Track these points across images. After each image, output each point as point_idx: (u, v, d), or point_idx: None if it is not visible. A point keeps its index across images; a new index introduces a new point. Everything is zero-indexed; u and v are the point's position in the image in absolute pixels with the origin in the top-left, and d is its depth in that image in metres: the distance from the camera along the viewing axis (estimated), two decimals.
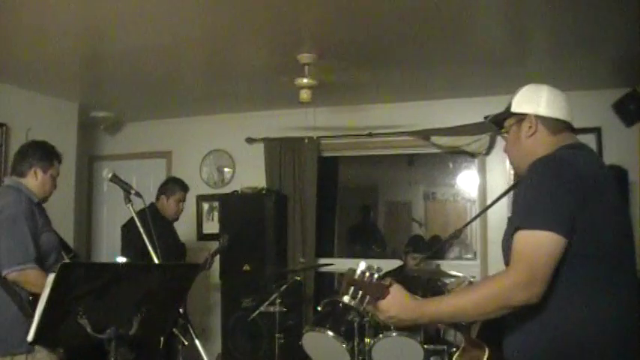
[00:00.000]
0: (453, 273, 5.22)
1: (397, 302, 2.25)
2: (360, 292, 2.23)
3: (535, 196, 2.18)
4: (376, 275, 2.25)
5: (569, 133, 2.45)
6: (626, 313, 2.18)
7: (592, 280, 2.17)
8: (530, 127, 2.44)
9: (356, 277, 2.25)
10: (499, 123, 2.62)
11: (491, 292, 2.14)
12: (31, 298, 3.53)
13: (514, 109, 2.50)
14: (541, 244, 2.09)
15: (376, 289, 2.24)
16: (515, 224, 2.18)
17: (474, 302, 2.17)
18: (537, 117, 2.43)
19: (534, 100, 2.46)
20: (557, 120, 2.43)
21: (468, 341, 2.63)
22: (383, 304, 2.25)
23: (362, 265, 2.28)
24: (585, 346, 2.14)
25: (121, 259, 4.83)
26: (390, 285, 2.27)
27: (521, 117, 2.47)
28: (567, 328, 2.16)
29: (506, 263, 2.27)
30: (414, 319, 2.30)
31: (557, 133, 2.42)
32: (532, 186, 2.22)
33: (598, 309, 2.15)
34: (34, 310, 3.33)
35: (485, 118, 2.67)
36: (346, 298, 2.24)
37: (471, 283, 2.79)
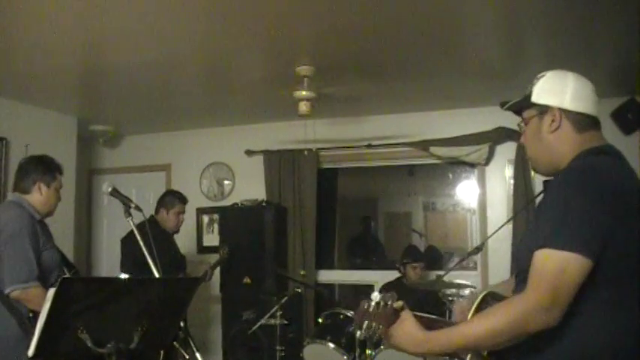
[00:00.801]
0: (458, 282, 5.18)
1: (404, 332, 2.10)
2: (374, 324, 2.06)
3: (565, 213, 1.95)
4: (389, 302, 2.07)
5: (595, 131, 2.20)
6: None
7: (617, 304, 2.00)
8: (553, 121, 2.18)
9: (370, 309, 2.06)
10: (517, 112, 2.36)
11: (509, 318, 1.94)
12: (31, 314, 3.52)
13: (535, 99, 2.23)
14: (566, 267, 1.90)
15: (388, 317, 2.08)
16: (539, 241, 1.97)
17: (488, 330, 1.97)
18: (562, 111, 2.17)
19: (559, 91, 2.19)
20: (583, 115, 2.18)
21: (476, 357, 2.51)
22: (391, 330, 2.09)
23: (375, 297, 2.08)
24: None
25: (124, 276, 4.85)
26: (402, 309, 2.11)
27: (544, 109, 2.20)
28: (587, 354, 1.99)
29: (514, 271, 2.15)
30: (421, 352, 2.15)
31: (583, 131, 2.17)
32: (562, 200, 1.99)
33: (621, 334, 1.99)
34: (33, 327, 3.33)
35: (502, 105, 2.41)
36: (359, 334, 2.11)
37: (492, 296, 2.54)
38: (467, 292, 5.43)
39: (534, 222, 2.16)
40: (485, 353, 2.24)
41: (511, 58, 5.19)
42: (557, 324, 1.92)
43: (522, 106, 2.30)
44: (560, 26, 4.40)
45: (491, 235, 3.39)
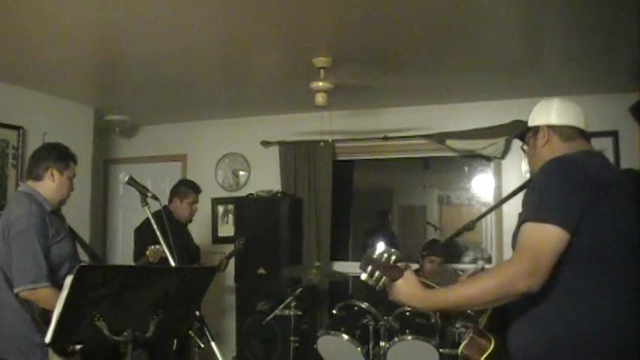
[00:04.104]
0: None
1: (406, 288, 2.40)
2: (377, 272, 2.39)
3: (544, 192, 2.32)
4: (393, 257, 2.41)
5: (583, 140, 2.62)
6: (627, 314, 2.26)
7: (594, 279, 2.28)
8: (543, 136, 2.64)
9: (375, 256, 2.40)
10: (523, 139, 2.82)
11: (496, 280, 2.26)
12: (40, 309, 3.52)
13: (530, 124, 2.72)
14: (546, 237, 2.23)
15: (393, 271, 2.40)
16: (522, 217, 2.33)
17: (479, 290, 2.29)
18: (549, 127, 2.63)
19: (545, 112, 2.66)
20: (568, 127, 2.61)
21: (476, 331, 2.80)
22: (394, 286, 2.41)
23: (381, 246, 2.42)
24: (584, 341, 2.25)
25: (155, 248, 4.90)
26: (406, 268, 2.43)
27: (536, 129, 2.68)
28: (568, 324, 2.28)
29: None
30: (421, 307, 2.47)
31: (570, 140, 2.60)
32: (542, 182, 2.37)
33: (599, 307, 2.27)
34: (44, 322, 3.35)
35: (512, 137, 2.96)
36: (364, 276, 2.39)
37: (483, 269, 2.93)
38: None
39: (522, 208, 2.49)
40: (483, 326, 2.67)
41: (529, 52, 5.15)
42: (539, 289, 2.22)
43: (524, 132, 2.79)
44: (578, 20, 4.36)
45: (483, 215, 3.54)
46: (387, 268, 2.39)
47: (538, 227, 2.25)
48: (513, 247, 2.43)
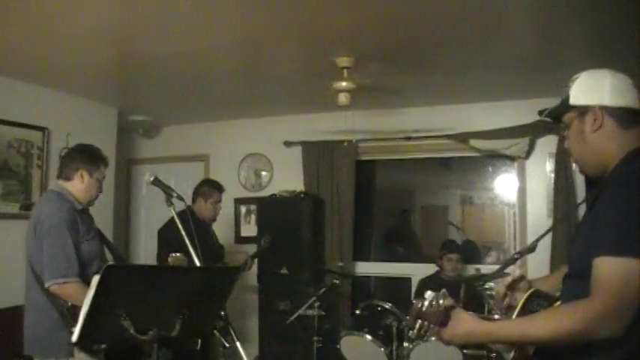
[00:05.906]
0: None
1: (466, 328, 2.09)
2: (425, 324, 2.09)
3: (627, 219, 1.89)
4: (441, 301, 2.07)
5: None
6: None
7: None
8: (595, 120, 2.12)
9: (424, 309, 2.07)
10: (556, 118, 2.30)
11: (576, 324, 1.89)
12: (69, 304, 3.54)
13: (573, 101, 2.18)
14: (633, 273, 1.83)
15: (438, 316, 2.09)
16: (599, 247, 1.92)
17: (553, 333, 1.93)
18: (602, 108, 2.11)
19: (597, 89, 2.14)
20: (626, 110, 2.11)
21: (521, 356, 2.40)
22: (447, 330, 2.11)
23: (430, 296, 2.08)
24: None
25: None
26: (452, 308, 2.10)
27: (583, 110, 2.15)
28: None
29: (572, 269, 2.13)
30: (482, 342, 2.26)
31: (629, 128, 2.11)
32: (623, 205, 1.93)
33: None
34: (73, 318, 3.37)
35: (540, 113, 2.38)
36: (411, 333, 2.15)
37: (522, 277, 2.52)
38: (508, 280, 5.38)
39: (588, 223, 2.07)
40: (532, 352, 2.19)
41: (552, 51, 5.11)
42: (623, 333, 1.85)
43: (561, 110, 2.25)
44: (597, 19, 4.33)
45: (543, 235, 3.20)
46: (432, 315, 2.07)
47: (622, 263, 1.84)
48: (572, 261, 2.12)
